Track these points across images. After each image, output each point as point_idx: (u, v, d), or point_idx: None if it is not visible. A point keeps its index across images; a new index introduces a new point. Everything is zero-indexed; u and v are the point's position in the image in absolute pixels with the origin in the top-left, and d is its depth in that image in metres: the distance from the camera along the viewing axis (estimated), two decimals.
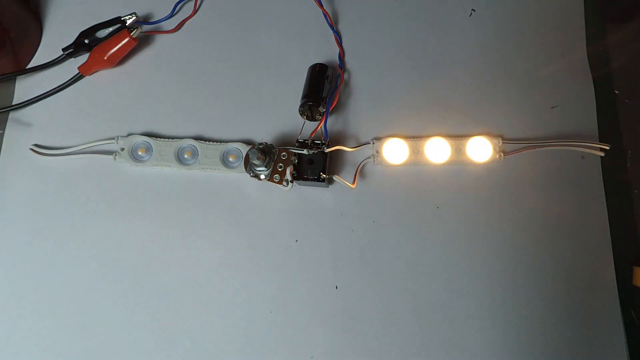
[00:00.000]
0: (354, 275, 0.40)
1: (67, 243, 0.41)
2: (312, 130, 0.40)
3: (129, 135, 0.43)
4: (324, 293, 0.39)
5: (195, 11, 0.47)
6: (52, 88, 0.45)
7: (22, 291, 0.40)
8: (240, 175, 0.42)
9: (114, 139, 0.43)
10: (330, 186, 0.42)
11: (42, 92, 0.45)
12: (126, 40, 0.44)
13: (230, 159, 0.42)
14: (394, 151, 0.41)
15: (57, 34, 0.47)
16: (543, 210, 0.40)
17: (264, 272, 0.40)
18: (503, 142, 0.41)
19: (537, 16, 0.45)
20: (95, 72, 0.45)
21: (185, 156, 0.42)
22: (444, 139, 0.41)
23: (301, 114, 0.41)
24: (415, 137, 0.42)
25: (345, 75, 0.44)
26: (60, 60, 0.45)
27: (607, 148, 0.40)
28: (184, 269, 0.40)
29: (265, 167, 0.39)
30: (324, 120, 0.40)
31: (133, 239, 0.41)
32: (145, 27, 0.47)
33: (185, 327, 0.39)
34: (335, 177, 0.40)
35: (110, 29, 0.44)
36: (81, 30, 0.45)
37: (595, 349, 0.38)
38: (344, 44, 0.45)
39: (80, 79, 0.45)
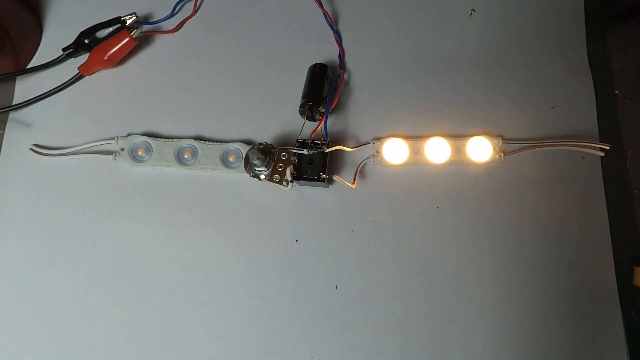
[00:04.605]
0: (354, 275, 0.40)
1: (67, 243, 0.41)
2: (312, 130, 0.40)
3: (129, 135, 0.43)
4: (324, 293, 0.39)
5: (195, 11, 0.47)
6: (52, 88, 0.45)
7: (22, 291, 0.40)
8: (240, 175, 0.42)
9: (114, 139, 0.43)
10: (330, 186, 0.42)
11: (42, 92, 0.44)
12: (126, 40, 0.44)
13: (230, 159, 0.42)
14: (394, 151, 0.41)
15: (57, 34, 0.47)
16: (543, 210, 0.40)
17: (264, 272, 0.40)
18: (503, 142, 0.41)
19: (537, 16, 0.45)
20: (95, 72, 0.45)
21: (185, 156, 0.42)
22: (444, 139, 0.41)
23: (301, 114, 0.41)
24: (415, 137, 0.42)
25: (345, 75, 0.44)
26: (60, 60, 0.45)
27: (607, 148, 0.40)
28: (184, 268, 0.40)
29: (265, 167, 0.39)
30: (324, 120, 0.40)
31: (133, 239, 0.41)
32: (145, 27, 0.47)
33: (185, 327, 0.39)
34: (335, 177, 0.40)
35: (110, 29, 0.44)
36: (81, 30, 0.45)
37: (595, 349, 0.38)
38: (344, 44, 0.45)
39: (80, 79, 0.45)
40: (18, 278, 0.41)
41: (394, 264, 0.40)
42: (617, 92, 0.44)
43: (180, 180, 0.42)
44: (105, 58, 0.44)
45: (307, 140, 0.40)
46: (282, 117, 0.43)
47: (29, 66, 0.46)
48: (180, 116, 0.44)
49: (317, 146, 0.39)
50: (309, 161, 0.40)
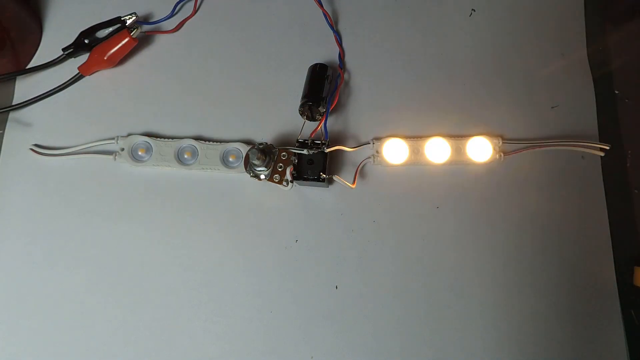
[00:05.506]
0: (354, 275, 0.40)
1: (67, 243, 0.41)
2: (312, 130, 0.40)
3: (129, 135, 0.43)
4: (324, 293, 0.39)
5: (195, 11, 0.47)
6: (52, 88, 0.45)
7: (22, 291, 0.40)
8: (240, 175, 0.42)
9: (114, 139, 0.43)
10: (330, 186, 0.42)
11: (42, 92, 0.44)
12: (126, 40, 0.44)
13: (230, 159, 0.42)
14: (394, 151, 0.41)
15: (57, 34, 0.47)
16: (543, 211, 0.40)
17: (264, 272, 0.40)
18: (503, 142, 0.41)
19: (537, 16, 0.45)
20: (95, 72, 0.45)
21: (185, 156, 0.42)
22: (444, 139, 0.41)
23: (301, 114, 0.41)
24: (415, 137, 0.42)
25: (345, 75, 0.44)
26: (60, 60, 0.45)
27: (607, 148, 0.40)
28: (184, 269, 0.40)
29: (265, 167, 0.39)
30: (324, 120, 0.40)
31: (133, 239, 0.41)
32: (145, 27, 0.47)
33: (185, 327, 0.39)
34: (335, 177, 0.40)
35: (110, 29, 0.44)
36: (81, 30, 0.45)
37: (595, 349, 0.38)
38: (344, 44, 0.45)
39: (80, 79, 0.45)
40: (18, 278, 0.41)
41: (394, 264, 0.40)
42: (617, 92, 0.44)
43: (180, 180, 0.42)
44: (105, 58, 0.44)
45: (307, 140, 0.40)
46: (282, 117, 0.43)
47: (29, 66, 0.46)
48: (180, 116, 0.44)
49: (317, 146, 0.39)
50: (309, 161, 0.40)
